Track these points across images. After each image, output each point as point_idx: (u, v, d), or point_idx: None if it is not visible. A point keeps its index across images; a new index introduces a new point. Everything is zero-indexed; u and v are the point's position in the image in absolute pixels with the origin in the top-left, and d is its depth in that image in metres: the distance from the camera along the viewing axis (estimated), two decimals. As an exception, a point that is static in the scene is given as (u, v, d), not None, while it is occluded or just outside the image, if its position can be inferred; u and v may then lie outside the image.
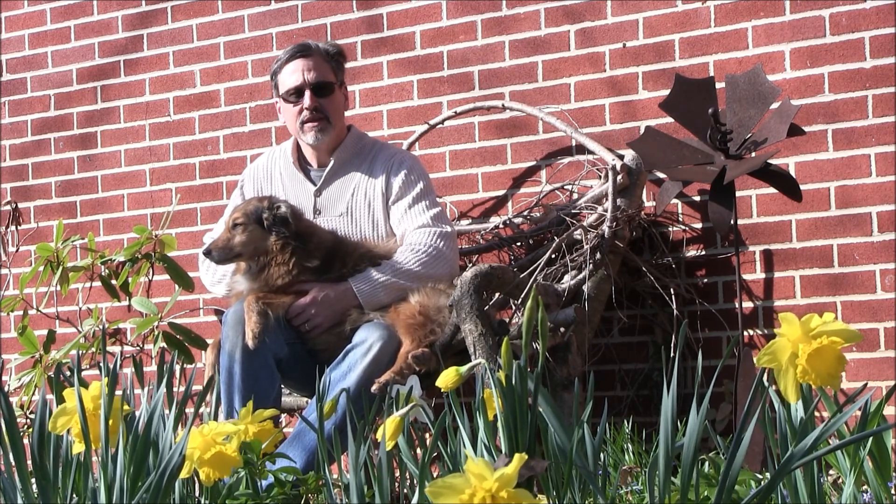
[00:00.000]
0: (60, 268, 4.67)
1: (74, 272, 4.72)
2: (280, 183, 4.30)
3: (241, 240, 4.04)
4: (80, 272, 4.74)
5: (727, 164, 4.06)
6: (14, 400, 4.80)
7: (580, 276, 4.35)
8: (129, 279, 4.67)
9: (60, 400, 2.48)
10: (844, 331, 2.05)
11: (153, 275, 4.74)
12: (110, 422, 2.35)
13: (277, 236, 4.01)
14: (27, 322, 4.80)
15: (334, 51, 4.28)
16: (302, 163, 4.31)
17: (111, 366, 2.43)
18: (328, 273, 4.06)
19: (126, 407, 2.40)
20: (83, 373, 3.48)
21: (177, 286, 4.65)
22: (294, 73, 4.21)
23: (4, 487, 2.51)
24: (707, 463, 3.07)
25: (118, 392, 2.48)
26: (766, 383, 2.26)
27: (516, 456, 1.84)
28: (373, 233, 4.19)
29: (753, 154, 4.15)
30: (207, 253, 4.07)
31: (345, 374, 3.83)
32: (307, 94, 4.19)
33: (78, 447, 2.39)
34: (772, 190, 4.28)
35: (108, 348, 4.70)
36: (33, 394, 4.72)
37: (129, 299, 4.71)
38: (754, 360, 4.11)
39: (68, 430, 2.45)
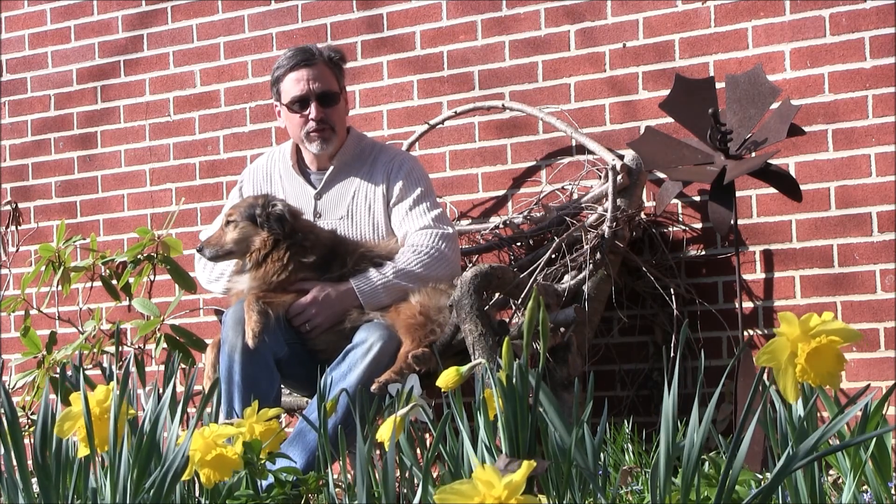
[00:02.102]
0: (62, 268, 4.67)
1: (76, 272, 4.73)
2: (280, 185, 4.30)
3: (232, 237, 4.06)
4: (81, 272, 4.74)
5: (727, 165, 4.06)
6: (17, 400, 4.80)
7: (580, 276, 4.35)
8: (132, 280, 4.67)
9: (64, 401, 2.48)
10: (843, 330, 2.04)
11: (155, 276, 4.74)
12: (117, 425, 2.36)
13: (270, 233, 4.02)
14: (29, 322, 4.80)
15: (337, 57, 4.27)
16: (301, 165, 4.31)
17: (117, 367, 2.44)
18: (328, 273, 4.06)
19: (131, 411, 2.40)
20: (87, 373, 3.48)
21: (177, 287, 4.66)
22: (298, 83, 4.20)
23: (6, 487, 2.52)
24: (707, 463, 3.07)
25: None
26: (767, 383, 2.26)
27: (524, 463, 1.84)
28: (373, 235, 4.19)
29: (753, 154, 4.15)
30: (200, 249, 4.10)
31: (345, 374, 3.84)
32: (313, 105, 4.19)
33: (83, 451, 2.39)
34: (772, 190, 4.28)
35: (110, 349, 4.70)
36: (36, 394, 4.72)
37: (130, 300, 4.71)
38: (754, 359, 4.10)
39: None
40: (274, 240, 4.01)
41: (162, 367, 4.86)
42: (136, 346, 4.84)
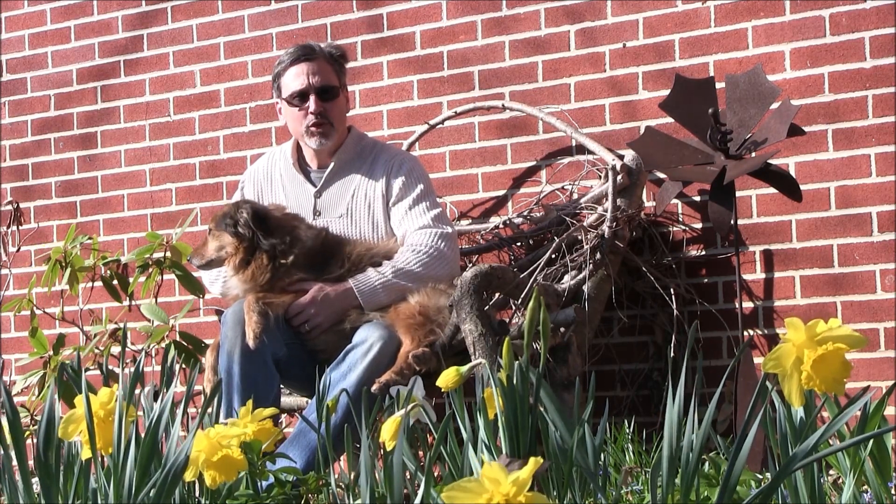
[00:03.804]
0: (69, 268, 4.68)
1: (81, 272, 4.73)
2: (280, 185, 4.31)
3: (212, 246, 4.10)
4: (84, 273, 4.75)
5: (727, 165, 4.06)
6: (23, 400, 4.80)
7: (580, 276, 4.35)
8: (141, 280, 4.68)
9: (68, 401, 2.48)
10: (849, 336, 2.04)
11: (162, 279, 4.75)
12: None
13: (238, 240, 4.03)
14: (37, 323, 4.80)
15: (337, 53, 4.28)
16: (302, 164, 4.32)
17: (122, 368, 2.44)
18: (327, 273, 4.07)
19: (133, 413, 2.40)
20: (88, 373, 3.48)
21: (179, 287, 4.66)
22: (298, 77, 4.20)
23: (7, 487, 2.52)
24: (707, 463, 3.07)
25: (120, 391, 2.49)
26: (769, 385, 2.26)
27: (532, 460, 1.84)
28: (373, 234, 4.20)
29: (753, 154, 4.15)
30: (189, 259, 4.15)
31: (345, 374, 3.84)
32: (312, 98, 4.19)
33: (87, 452, 2.39)
34: (772, 190, 4.28)
35: (115, 349, 4.71)
36: (42, 395, 4.72)
37: (130, 300, 4.71)
38: (756, 361, 4.10)
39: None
40: (246, 245, 4.03)
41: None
42: (145, 351, 4.84)
